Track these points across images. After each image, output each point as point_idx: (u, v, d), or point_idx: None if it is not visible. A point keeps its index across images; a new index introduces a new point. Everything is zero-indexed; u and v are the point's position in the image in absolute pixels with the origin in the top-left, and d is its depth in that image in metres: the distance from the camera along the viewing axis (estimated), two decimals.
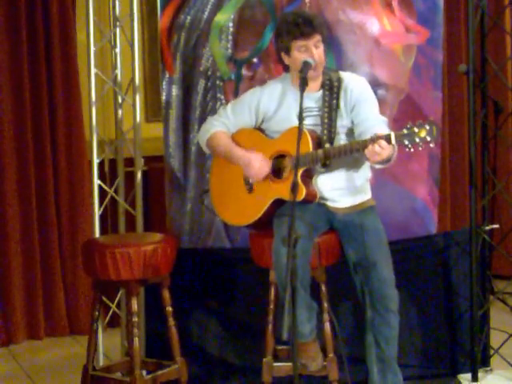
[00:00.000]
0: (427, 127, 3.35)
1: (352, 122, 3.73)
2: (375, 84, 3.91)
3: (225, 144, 3.85)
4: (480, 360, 4.37)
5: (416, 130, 3.36)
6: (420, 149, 3.37)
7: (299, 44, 3.66)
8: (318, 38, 3.66)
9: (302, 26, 3.64)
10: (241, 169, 3.82)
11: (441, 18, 4.35)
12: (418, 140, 3.36)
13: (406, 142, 3.38)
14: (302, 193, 3.62)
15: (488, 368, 4.44)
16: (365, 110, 3.71)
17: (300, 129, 3.38)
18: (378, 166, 3.62)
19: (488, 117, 4.51)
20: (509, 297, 4.59)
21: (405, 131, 3.38)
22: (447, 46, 5.36)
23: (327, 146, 3.67)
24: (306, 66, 3.61)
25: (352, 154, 3.58)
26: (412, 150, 3.38)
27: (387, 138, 3.41)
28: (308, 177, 3.71)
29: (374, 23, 4.30)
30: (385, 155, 3.43)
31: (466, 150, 5.50)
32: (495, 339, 4.48)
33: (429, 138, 3.35)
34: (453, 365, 4.42)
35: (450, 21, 5.49)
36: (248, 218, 3.83)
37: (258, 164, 3.74)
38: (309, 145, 3.64)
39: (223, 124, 3.88)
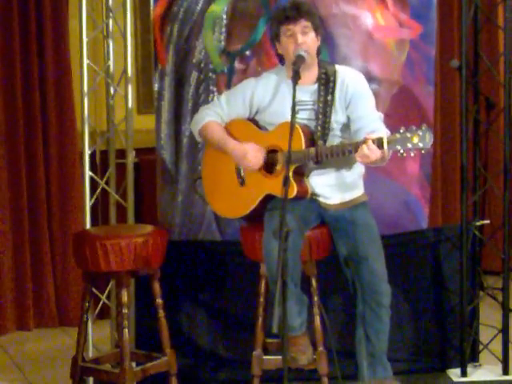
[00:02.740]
0: (420, 133, 3.31)
1: (348, 118, 3.70)
2: (368, 78, 3.89)
3: (218, 134, 3.82)
4: (469, 355, 4.38)
5: (409, 135, 3.33)
6: (412, 154, 3.34)
7: (285, 28, 3.65)
8: (304, 23, 3.63)
9: (287, 10, 3.65)
10: (233, 161, 3.81)
11: (434, 12, 4.35)
12: (410, 146, 3.33)
13: (398, 147, 3.35)
14: (293, 190, 3.60)
15: (477, 363, 4.45)
16: (361, 107, 3.68)
17: (292, 124, 3.36)
18: (373, 165, 3.56)
19: (480, 112, 4.52)
20: (498, 292, 4.57)
21: (397, 136, 3.35)
22: (440, 41, 5.35)
23: (320, 142, 3.64)
24: (299, 59, 3.58)
25: (344, 156, 3.55)
26: (404, 155, 3.36)
27: (379, 143, 3.38)
28: (299, 174, 3.68)
29: (368, 17, 4.30)
30: (373, 158, 3.40)
31: (457, 146, 5.51)
32: (484, 334, 4.49)
33: (421, 145, 3.32)
34: (442, 360, 4.44)
35: (443, 16, 5.49)
36: (239, 211, 3.83)
37: (254, 155, 3.71)
38: (301, 142, 3.61)
39: (216, 114, 3.85)
